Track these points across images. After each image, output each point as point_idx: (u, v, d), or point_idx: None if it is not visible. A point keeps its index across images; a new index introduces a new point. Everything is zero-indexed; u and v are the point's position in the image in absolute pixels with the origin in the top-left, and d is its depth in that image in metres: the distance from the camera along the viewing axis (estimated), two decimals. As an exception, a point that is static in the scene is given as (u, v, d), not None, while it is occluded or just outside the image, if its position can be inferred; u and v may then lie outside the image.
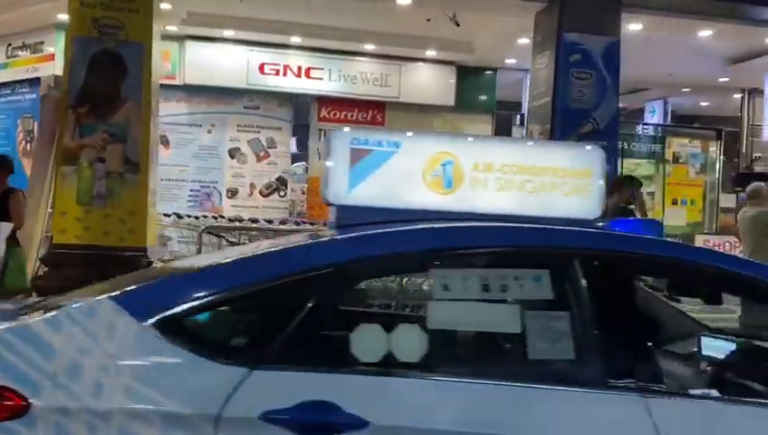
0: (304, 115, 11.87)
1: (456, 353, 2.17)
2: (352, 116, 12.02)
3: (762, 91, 13.15)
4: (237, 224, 9.87)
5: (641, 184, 6.78)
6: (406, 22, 10.26)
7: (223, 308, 2.17)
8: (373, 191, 2.56)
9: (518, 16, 9.11)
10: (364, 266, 2.23)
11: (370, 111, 12.02)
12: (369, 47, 11.41)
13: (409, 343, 2.03)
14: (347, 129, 2.84)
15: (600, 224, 2.65)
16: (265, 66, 11.35)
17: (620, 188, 6.55)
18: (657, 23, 9.34)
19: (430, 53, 11.61)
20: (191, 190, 11.41)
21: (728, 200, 13.50)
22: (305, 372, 1.90)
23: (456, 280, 2.14)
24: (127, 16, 7.26)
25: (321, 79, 11.55)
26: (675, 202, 13.28)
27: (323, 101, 11.90)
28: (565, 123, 8.26)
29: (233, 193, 11.54)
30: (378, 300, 2.26)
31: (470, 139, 2.98)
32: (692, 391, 2.17)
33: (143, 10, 7.31)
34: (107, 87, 7.19)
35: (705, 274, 2.33)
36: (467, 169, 2.60)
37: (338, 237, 2.38)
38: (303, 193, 11.59)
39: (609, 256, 2.26)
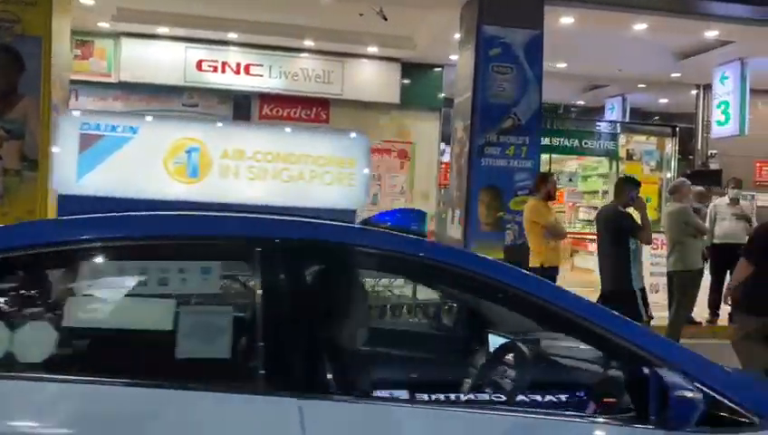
0: (245, 113, 11.70)
1: (89, 353, 1.97)
2: (295, 113, 11.84)
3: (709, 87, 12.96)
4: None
5: (640, 184, 6.47)
6: (343, 17, 10.10)
7: None
8: (106, 180, 2.38)
9: (444, 9, 8.93)
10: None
11: (314, 109, 11.84)
12: (309, 43, 11.23)
13: (34, 341, 1.84)
14: (76, 112, 2.66)
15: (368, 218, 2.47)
16: (203, 63, 11.18)
17: (619, 190, 6.27)
18: (589, 16, 9.13)
19: (372, 50, 11.42)
20: (129, 189, 11.22)
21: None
22: None
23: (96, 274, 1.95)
24: (24, 10, 7.10)
25: (260, 76, 11.38)
26: (629, 200, 13.05)
27: (265, 98, 11.73)
28: (485, 119, 8.06)
29: (172, 192, 11.35)
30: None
31: (219, 124, 2.82)
32: (377, 393, 1.99)
33: (41, 3, 7.14)
34: (2, 82, 7.03)
35: (415, 266, 2.12)
36: (215, 156, 2.42)
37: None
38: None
39: (295, 247, 2.05)
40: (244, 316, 1.94)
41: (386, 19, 9.10)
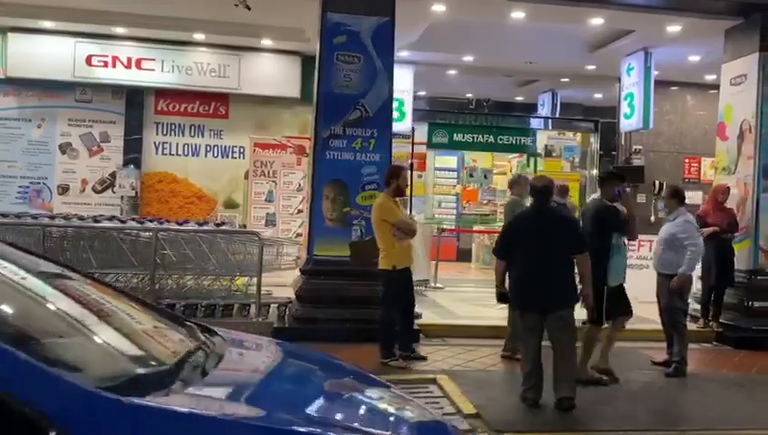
0: (139, 108, 11.46)
1: None
2: (192, 108, 11.59)
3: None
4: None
5: (624, 179, 6.31)
6: (229, 10, 9.79)
7: None
8: None
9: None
10: None
11: (212, 103, 11.57)
12: (200, 37, 10.96)
13: None
14: None
15: None
16: (93, 58, 10.96)
17: (604, 185, 6.10)
18: (461, 3, 8.74)
19: (267, 43, 11.12)
20: (20, 187, 11.05)
21: (605, 196, 12.77)
22: None
23: None
24: None
25: (152, 70, 11.13)
26: (548, 198, 12.57)
27: (162, 93, 11.48)
28: (330, 110, 7.70)
29: (64, 189, 11.17)
30: None
31: None
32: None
33: None
34: None
35: None
36: None
37: None
38: (133, 188, 11.15)
39: None
40: None
41: (249, 9, 8.77)
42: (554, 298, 5.41)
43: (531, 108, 15.69)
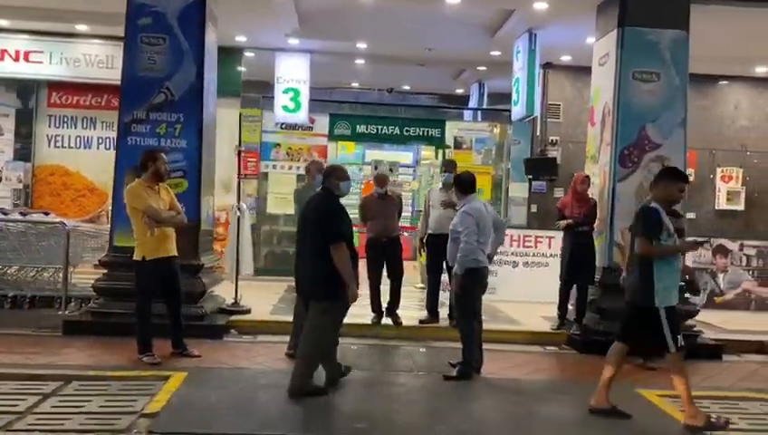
0: (32, 101, 11.42)
1: None
2: (85, 100, 11.49)
3: (555, 66, 11.68)
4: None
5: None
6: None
7: None
8: None
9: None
10: None
11: (105, 95, 11.43)
12: (83, 27, 10.83)
13: None
14: None
15: None
16: (-18, 51, 10.99)
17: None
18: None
19: (152, 33, 10.87)
20: None
21: (520, 189, 12.05)
22: None
23: None
24: None
25: (41, 63, 11.07)
26: (458, 192, 11.90)
27: (55, 85, 11.42)
28: (133, 94, 7.38)
29: (-44, 182, 11.23)
30: None
31: None
32: None
33: None
34: None
35: None
36: None
37: None
38: (20, 181, 11.10)
39: None
40: None
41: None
42: (311, 287, 5.34)
43: (460, 99, 15.05)
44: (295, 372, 5.25)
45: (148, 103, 7.37)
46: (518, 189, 12.00)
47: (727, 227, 11.77)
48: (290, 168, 11.55)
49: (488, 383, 5.98)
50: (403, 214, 8.34)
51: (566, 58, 11.17)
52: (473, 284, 6.02)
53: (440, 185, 7.99)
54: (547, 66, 11.56)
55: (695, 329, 7.56)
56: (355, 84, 14.57)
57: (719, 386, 6.08)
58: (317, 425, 4.81)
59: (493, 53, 11.20)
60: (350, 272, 5.18)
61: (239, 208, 8.27)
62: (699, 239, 5.86)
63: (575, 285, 7.77)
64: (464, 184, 6.17)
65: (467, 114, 13.77)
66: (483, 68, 12.32)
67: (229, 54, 11.44)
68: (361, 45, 11.10)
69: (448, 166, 7.92)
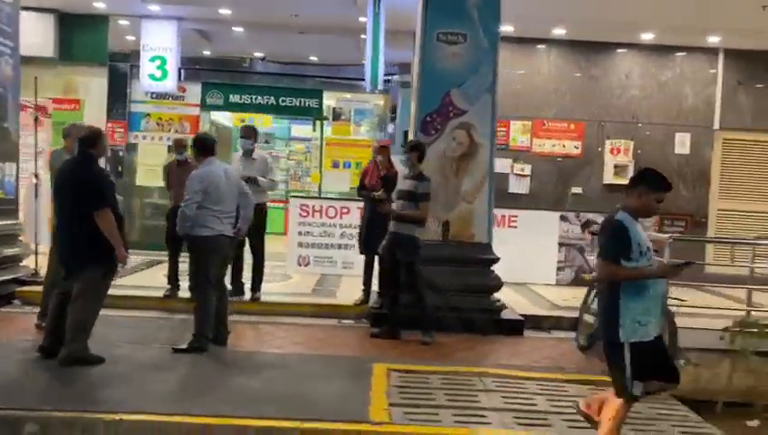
0: None
1: None
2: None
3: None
4: None
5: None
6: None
7: None
8: None
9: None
10: None
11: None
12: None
13: None
14: None
15: None
16: None
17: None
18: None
19: (13, -1, 10.63)
20: None
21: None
22: None
23: None
24: None
25: None
26: (336, 165, 11.61)
27: None
28: None
29: None
30: None
31: None
32: None
33: None
34: None
35: None
36: None
37: None
38: None
39: None
40: None
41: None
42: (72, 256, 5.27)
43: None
44: (66, 339, 5.14)
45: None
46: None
47: (615, 202, 11.29)
48: (160, 138, 11.31)
49: (223, 356, 5.74)
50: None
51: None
52: (206, 252, 5.75)
53: (240, 153, 7.63)
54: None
55: (498, 304, 7.28)
56: (258, 54, 14.19)
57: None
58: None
59: (362, 18, 10.76)
60: (117, 236, 5.15)
61: (36, 176, 8.06)
62: (681, 262, 4.07)
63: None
64: (197, 145, 5.88)
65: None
66: (364, 36, 11.88)
67: (94, 21, 11.24)
68: (225, 11, 10.75)
69: (246, 132, 7.60)
